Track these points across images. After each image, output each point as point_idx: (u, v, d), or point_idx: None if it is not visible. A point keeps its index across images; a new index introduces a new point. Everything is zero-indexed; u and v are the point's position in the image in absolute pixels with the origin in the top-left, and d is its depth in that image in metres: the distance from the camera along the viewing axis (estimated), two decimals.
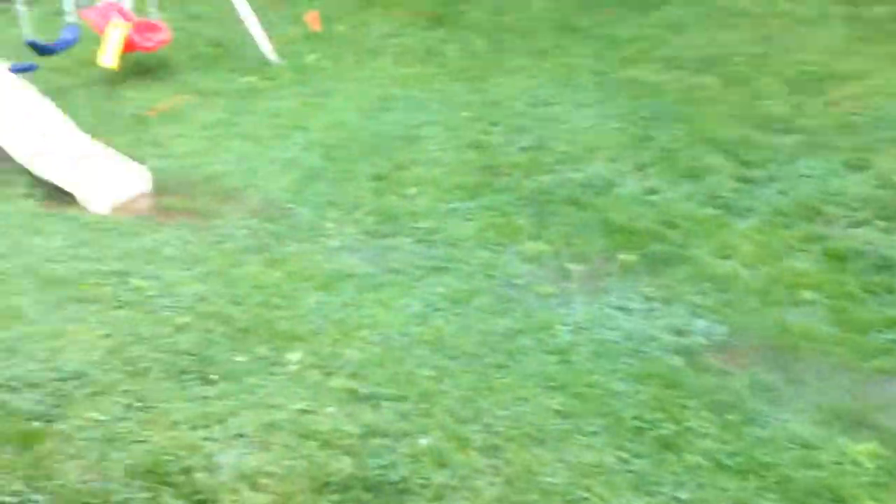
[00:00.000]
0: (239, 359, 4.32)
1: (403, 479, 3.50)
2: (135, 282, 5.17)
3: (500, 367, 4.30)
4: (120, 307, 4.86)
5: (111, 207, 6.39)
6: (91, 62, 8.68)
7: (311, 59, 9.46)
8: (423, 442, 3.72)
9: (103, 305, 4.85)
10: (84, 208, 6.32)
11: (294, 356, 4.37)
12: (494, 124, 7.49)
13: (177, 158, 7.08)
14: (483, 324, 4.69)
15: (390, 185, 6.48)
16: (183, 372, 4.16)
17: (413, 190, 6.39)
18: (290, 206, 6.21)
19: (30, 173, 6.52)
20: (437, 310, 4.85)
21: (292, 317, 4.75)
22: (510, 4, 10.97)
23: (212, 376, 4.14)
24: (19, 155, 6.58)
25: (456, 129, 7.41)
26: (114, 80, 8.70)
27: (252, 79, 8.87)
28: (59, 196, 6.45)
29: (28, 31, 8.29)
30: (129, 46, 8.53)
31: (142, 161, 6.82)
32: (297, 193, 6.38)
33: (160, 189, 6.67)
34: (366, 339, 4.55)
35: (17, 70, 7.48)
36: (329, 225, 5.92)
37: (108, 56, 8.33)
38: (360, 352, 4.43)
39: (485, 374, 4.24)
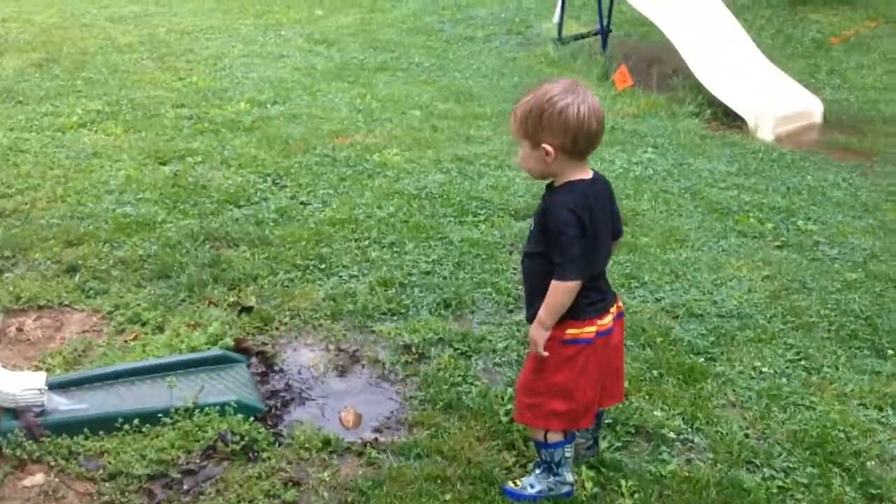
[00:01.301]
0: None
1: None
2: (799, 222, 4.85)
3: None
4: (782, 247, 4.57)
5: (777, 136, 6.10)
6: None
7: None
8: None
9: (765, 243, 4.61)
10: (748, 133, 6.13)
11: None
12: None
13: (854, 91, 6.52)
14: None
15: None
16: (852, 336, 3.72)
17: None
18: None
19: (702, 91, 6.47)
20: None
21: None
22: None
23: (886, 349, 3.64)
24: (698, 70, 6.55)
25: None
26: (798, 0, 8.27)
27: None
28: (724, 118, 6.35)
29: None
30: None
31: (816, 90, 6.38)
32: None
33: (830, 123, 6.22)
34: None
35: None
36: None
37: None
38: None
39: None
